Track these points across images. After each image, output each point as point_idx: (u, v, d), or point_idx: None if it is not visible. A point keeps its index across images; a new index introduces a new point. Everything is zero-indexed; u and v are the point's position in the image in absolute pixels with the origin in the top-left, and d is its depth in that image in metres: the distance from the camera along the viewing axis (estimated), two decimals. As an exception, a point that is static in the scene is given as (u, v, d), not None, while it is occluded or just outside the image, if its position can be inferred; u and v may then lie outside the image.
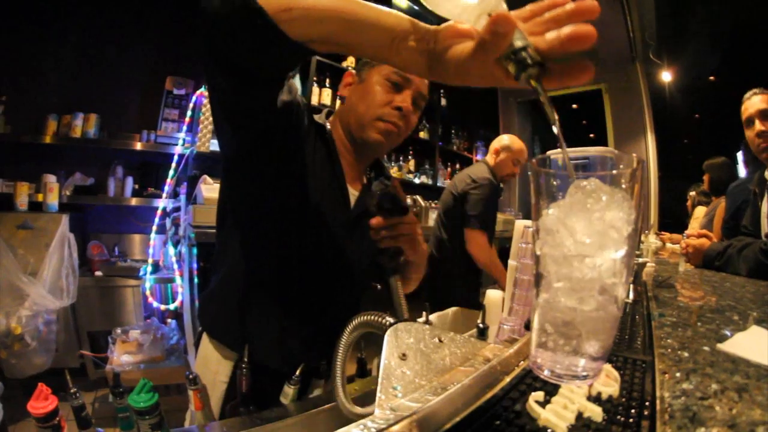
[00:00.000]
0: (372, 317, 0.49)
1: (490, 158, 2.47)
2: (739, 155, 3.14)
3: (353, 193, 0.98)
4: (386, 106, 0.92)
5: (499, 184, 2.43)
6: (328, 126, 0.97)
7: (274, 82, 0.68)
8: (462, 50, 0.44)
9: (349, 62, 3.35)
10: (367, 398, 0.72)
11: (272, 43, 0.51)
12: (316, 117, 0.97)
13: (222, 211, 0.95)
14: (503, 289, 1.05)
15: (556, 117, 0.36)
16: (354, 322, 0.54)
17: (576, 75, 0.39)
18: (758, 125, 1.60)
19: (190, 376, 0.81)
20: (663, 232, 3.44)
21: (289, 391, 0.79)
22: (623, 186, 0.34)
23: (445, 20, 0.46)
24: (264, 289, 0.91)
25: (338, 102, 3.30)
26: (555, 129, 0.35)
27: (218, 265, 0.97)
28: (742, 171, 3.30)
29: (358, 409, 0.52)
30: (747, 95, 1.66)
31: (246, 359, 0.84)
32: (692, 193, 3.98)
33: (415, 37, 0.46)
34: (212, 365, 0.90)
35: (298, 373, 0.79)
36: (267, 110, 0.74)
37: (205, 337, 0.96)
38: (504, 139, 2.47)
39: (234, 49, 0.56)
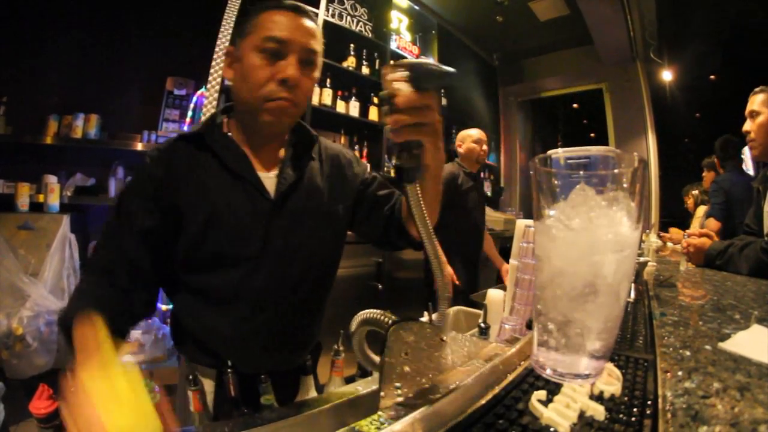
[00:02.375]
0: (374, 315, 0.49)
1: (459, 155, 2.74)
2: (746, 150, 3.16)
3: (268, 177, 0.90)
4: (270, 82, 0.81)
5: (472, 175, 2.68)
6: (219, 125, 0.92)
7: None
8: None
9: (350, 62, 3.35)
10: (369, 398, 0.72)
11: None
12: (193, 129, 0.92)
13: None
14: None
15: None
16: (358, 320, 0.54)
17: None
18: (746, 124, 1.66)
19: (191, 377, 0.81)
20: (665, 233, 3.44)
21: (262, 391, 0.78)
22: (625, 186, 0.34)
23: None
24: (223, 309, 0.88)
25: (339, 102, 3.30)
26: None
27: (170, 297, 0.95)
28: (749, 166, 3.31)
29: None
30: (752, 93, 1.68)
31: (222, 369, 0.82)
32: (695, 192, 3.98)
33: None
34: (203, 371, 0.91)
35: (263, 377, 0.78)
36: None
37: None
38: (461, 133, 2.77)
39: None
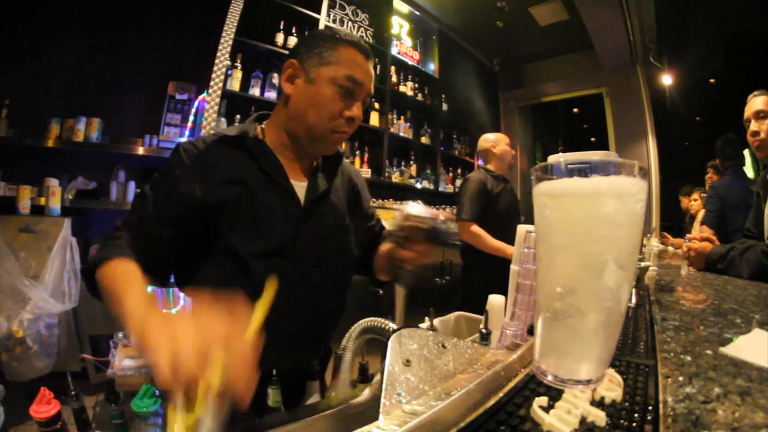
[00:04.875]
0: (375, 323, 0.49)
1: (491, 158, 2.72)
2: (746, 152, 3.15)
3: (300, 185, 0.96)
4: (340, 117, 0.90)
5: (501, 177, 2.66)
6: (260, 129, 0.96)
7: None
8: None
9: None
10: (369, 405, 0.72)
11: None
12: (229, 131, 0.95)
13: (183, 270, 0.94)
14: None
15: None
16: (358, 328, 0.54)
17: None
18: (752, 125, 1.64)
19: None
20: (668, 234, 3.44)
21: (271, 393, 0.78)
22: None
23: None
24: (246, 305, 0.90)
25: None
26: None
27: (185, 287, 0.95)
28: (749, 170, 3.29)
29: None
30: (750, 96, 1.68)
31: None
32: (703, 194, 3.98)
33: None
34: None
35: (274, 374, 0.78)
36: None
37: None
38: (491, 137, 2.74)
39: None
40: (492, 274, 2.41)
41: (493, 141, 2.72)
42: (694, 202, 4.09)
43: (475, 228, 2.47)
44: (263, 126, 0.99)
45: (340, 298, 1.06)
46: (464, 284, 2.71)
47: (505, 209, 2.62)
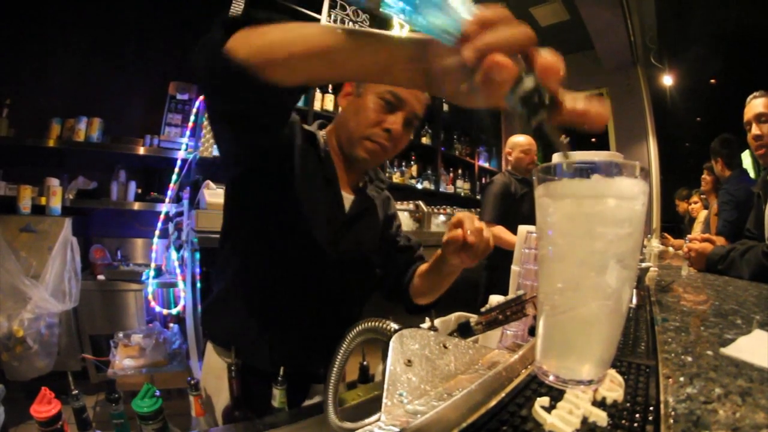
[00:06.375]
0: (376, 323, 0.49)
1: (507, 163, 2.79)
2: (745, 155, 3.12)
3: (347, 197, 1.00)
4: (376, 126, 0.93)
5: (525, 180, 2.68)
6: (321, 134, 0.99)
7: (275, 124, 0.69)
8: (457, 84, 0.41)
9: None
10: (369, 405, 0.72)
11: (261, 95, 0.52)
12: (307, 127, 0.99)
13: (226, 219, 0.96)
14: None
15: (569, 154, 0.36)
16: (358, 329, 0.54)
17: (589, 123, 0.37)
18: (754, 129, 1.62)
19: (192, 382, 0.81)
20: (668, 234, 3.43)
21: (276, 393, 0.78)
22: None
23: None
24: (266, 294, 0.92)
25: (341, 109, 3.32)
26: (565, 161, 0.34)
27: (221, 272, 0.98)
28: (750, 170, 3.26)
29: (348, 424, 0.49)
30: (749, 98, 1.66)
31: (236, 363, 0.84)
32: (695, 198, 3.98)
33: (409, 56, 0.43)
34: (217, 372, 0.91)
35: (281, 373, 0.78)
36: (276, 136, 0.79)
37: (209, 345, 0.98)
38: (510, 140, 2.80)
39: (227, 104, 0.57)
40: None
41: (509, 147, 2.77)
42: (694, 205, 4.09)
43: (496, 228, 2.52)
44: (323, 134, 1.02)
45: (357, 311, 1.08)
46: (488, 283, 2.74)
47: (528, 211, 2.64)
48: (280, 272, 0.91)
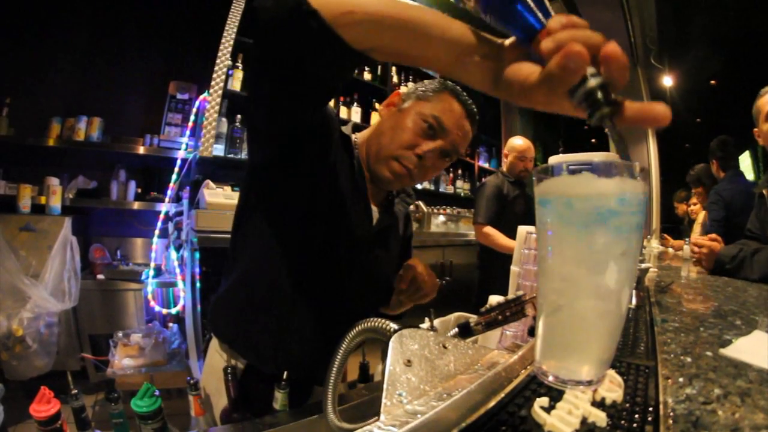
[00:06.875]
0: (376, 323, 0.49)
1: (503, 164, 2.79)
2: (746, 154, 3.10)
3: (374, 209, 0.96)
4: (409, 149, 0.87)
5: (518, 182, 2.72)
6: (354, 138, 0.95)
7: (326, 90, 0.65)
8: (528, 75, 0.40)
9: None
10: (369, 405, 0.72)
11: (327, 49, 0.48)
12: (343, 128, 0.94)
13: (240, 217, 0.91)
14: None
15: (629, 154, 0.36)
16: (357, 329, 0.54)
17: (651, 122, 0.38)
18: (766, 127, 1.55)
19: (191, 381, 0.80)
20: (668, 235, 3.43)
21: (278, 396, 0.77)
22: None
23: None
24: (279, 294, 0.88)
25: (341, 108, 3.31)
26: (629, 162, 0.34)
27: (231, 269, 0.94)
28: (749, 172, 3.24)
29: (347, 425, 0.49)
30: (763, 91, 1.57)
31: (234, 366, 0.83)
32: (694, 199, 3.97)
33: (482, 52, 0.43)
34: (219, 372, 0.90)
35: (285, 376, 0.77)
36: (312, 115, 0.73)
37: (213, 345, 0.95)
38: (509, 142, 2.79)
39: (288, 53, 0.53)
40: (507, 272, 2.47)
41: (507, 149, 2.77)
42: (694, 206, 4.08)
43: (488, 229, 2.55)
44: (356, 138, 0.98)
45: (370, 310, 1.06)
46: (481, 283, 2.78)
47: (521, 212, 2.67)
48: (294, 273, 0.87)
